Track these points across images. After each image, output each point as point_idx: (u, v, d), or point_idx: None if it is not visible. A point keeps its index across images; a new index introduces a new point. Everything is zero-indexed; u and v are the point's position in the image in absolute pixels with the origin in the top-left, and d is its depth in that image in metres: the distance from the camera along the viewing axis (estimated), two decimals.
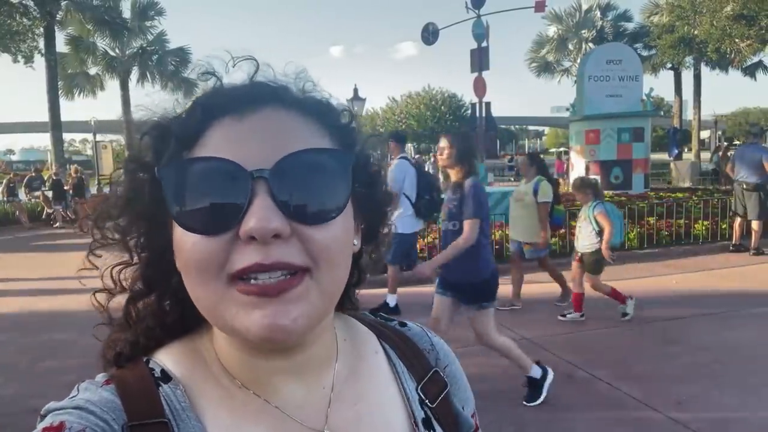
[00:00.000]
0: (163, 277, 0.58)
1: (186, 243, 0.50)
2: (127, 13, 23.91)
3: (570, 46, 30.29)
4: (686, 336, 5.16)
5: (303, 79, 0.59)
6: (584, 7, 29.96)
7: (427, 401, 0.65)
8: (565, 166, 25.51)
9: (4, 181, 15.67)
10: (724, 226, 9.47)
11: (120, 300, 0.61)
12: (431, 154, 41.86)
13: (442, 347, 0.73)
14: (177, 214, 0.50)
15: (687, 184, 18.64)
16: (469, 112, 12.87)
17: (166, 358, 0.58)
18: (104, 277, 0.61)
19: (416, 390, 0.65)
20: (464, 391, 0.72)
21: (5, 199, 15.34)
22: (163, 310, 0.60)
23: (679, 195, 12.31)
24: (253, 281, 0.49)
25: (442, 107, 49.64)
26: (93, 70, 24.61)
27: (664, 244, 9.14)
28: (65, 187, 15.39)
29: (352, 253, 0.57)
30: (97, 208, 0.59)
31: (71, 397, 0.54)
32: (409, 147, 61.20)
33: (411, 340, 0.71)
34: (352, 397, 0.61)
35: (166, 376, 0.56)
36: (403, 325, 0.74)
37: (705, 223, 9.43)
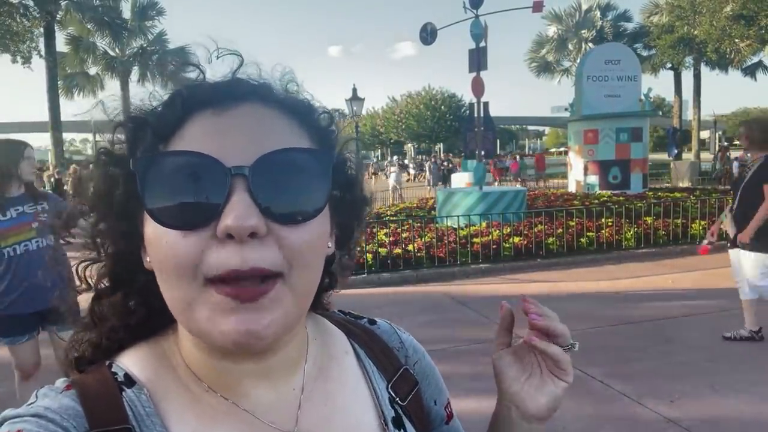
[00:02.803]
0: (129, 275, 0.57)
1: (161, 239, 0.49)
2: (127, 14, 23.96)
3: (570, 46, 30.32)
4: (680, 335, 5.18)
5: (287, 80, 0.58)
6: (584, 7, 30.00)
7: (398, 399, 0.65)
8: (519, 165, 25.71)
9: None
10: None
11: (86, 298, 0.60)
12: (431, 155, 41.83)
13: (411, 343, 0.73)
14: (152, 208, 0.49)
15: (686, 184, 18.66)
16: (468, 112, 12.88)
17: (129, 362, 0.56)
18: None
19: (387, 389, 0.65)
20: (435, 384, 0.73)
21: None
22: (128, 310, 0.58)
23: (677, 195, 12.33)
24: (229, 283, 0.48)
25: (442, 107, 49.60)
26: (93, 70, 24.68)
27: (661, 244, 9.17)
28: (65, 187, 15.45)
29: (325, 256, 0.57)
30: (69, 204, 0.58)
31: (29, 404, 0.51)
32: (409, 147, 61.16)
33: (380, 338, 0.71)
34: (322, 398, 0.60)
35: (129, 381, 0.54)
36: (373, 322, 0.74)
37: (702, 222, 9.44)
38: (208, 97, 0.52)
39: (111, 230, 0.56)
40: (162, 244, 0.49)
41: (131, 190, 0.51)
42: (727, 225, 4.89)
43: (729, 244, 4.90)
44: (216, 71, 0.56)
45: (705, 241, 5.44)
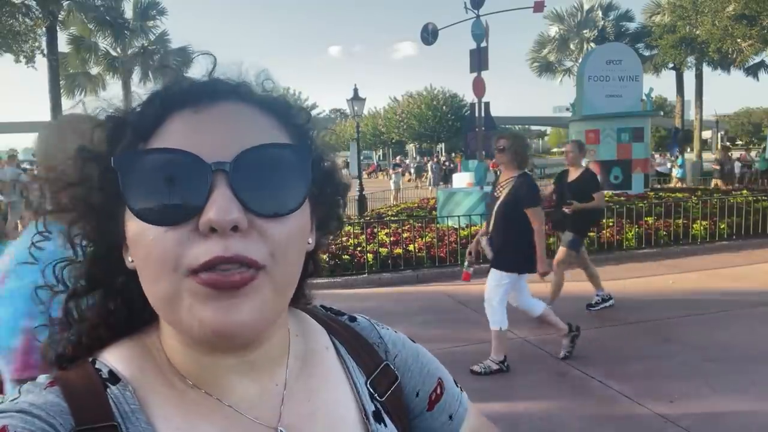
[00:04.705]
0: (108, 274, 0.57)
1: (144, 236, 0.50)
2: (129, 13, 24.01)
3: (571, 46, 30.29)
4: (680, 335, 5.18)
5: (263, 78, 0.59)
6: (586, 6, 29.96)
7: (376, 395, 0.66)
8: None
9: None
10: (722, 226, 9.47)
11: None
12: (434, 155, 41.77)
13: (390, 337, 0.75)
14: (134, 205, 0.50)
15: (688, 184, 18.63)
16: (469, 112, 12.88)
17: (113, 358, 0.56)
18: (45, 273, 0.60)
19: (366, 384, 0.66)
20: (419, 373, 0.73)
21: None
22: (108, 309, 0.59)
23: (679, 195, 12.31)
24: (212, 271, 0.48)
25: (444, 107, 49.54)
26: (95, 70, 24.70)
27: (662, 244, 9.16)
28: None
29: (305, 250, 0.58)
30: (47, 201, 0.58)
31: (13, 400, 0.51)
32: (411, 147, 61.06)
33: (360, 335, 0.72)
34: (305, 394, 0.61)
35: (114, 377, 0.54)
36: (353, 320, 0.75)
37: (704, 223, 9.43)
38: (187, 95, 0.53)
39: (90, 230, 0.56)
40: (144, 240, 0.50)
41: (111, 188, 0.51)
42: (484, 247, 4.58)
43: (490, 266, 4.54)
44: (192, 74, 0.57)
45: (467, 266, 5.01)
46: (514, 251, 4.35)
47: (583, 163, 6.36)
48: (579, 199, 5.63)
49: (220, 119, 0.52)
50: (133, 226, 0.51)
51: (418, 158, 42.68)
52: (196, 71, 0.57)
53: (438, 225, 9.24)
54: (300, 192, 0.53)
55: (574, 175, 5.85)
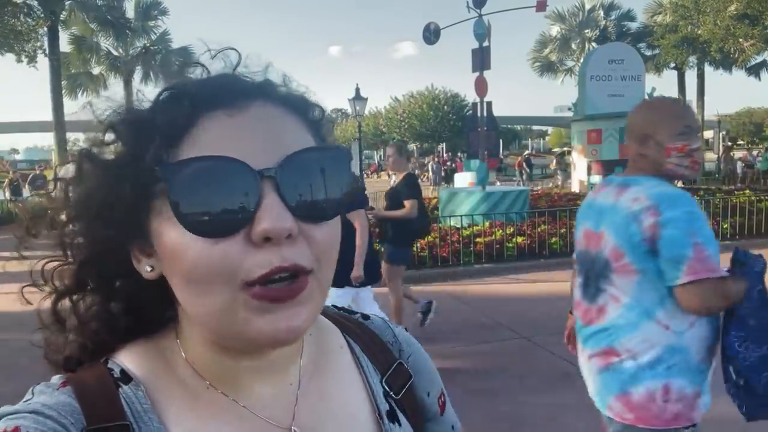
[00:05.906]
0: (103, 278, 0.57)
1: (190, 248, 0.48)
2: (130, 13, 24.05)
3: (573, 46, 30.30)
4: None
5: (275, 73, 0.57)
6: (587, 6, 29.96)
7: (391, 393, 0.66)
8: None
9: (6, 180, 15.82)
10: (725, 226, 9.45)
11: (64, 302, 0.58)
12: (433, 155, 41.81)
13: (405, 337, 0.74)
14: (183, 216, 0.47)
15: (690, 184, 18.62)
16: (471, 111, 12.87)
17: (126, 359, 0.56)
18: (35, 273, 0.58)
19: (380, 383, 0.66)
20: (428, 377, 0.73)
21: (9, 198, 15.45)
22: (109, 314, 0.58)
23: None
24: (266, 285, 0.48)
25: (445, 107, 49.52)
26: (96, 70, 24.73)
27: None
28: None
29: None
30: (45, 205, 0.56)
31: (26, 401, 0.51)
32: (413, 147, 61.09)
33: (374, 333, 0.72)
34: (318, 393, 0.61)
35: (126, 377, 0.54)
36: (366, 318, 0.74)
37: None
38: (215, 96, 0.51)
39: (93, 236, 0.54)
40: (191, 253, 0.48)
41: (128, 195, 0.50)
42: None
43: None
44: (212, 71, 0.55)
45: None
46: (348, 262, 3.97)
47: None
48: (394, 206, 5.11)
49: (256, 122, 0.50)
50: (175, 237, 0.48)
51: (429, 158, 42.70)
52: (214, 68, 0.54)
53: (440, 225, 9.23)
54: (341, 194, 0.53)
55: (397, 180, 5.28)
